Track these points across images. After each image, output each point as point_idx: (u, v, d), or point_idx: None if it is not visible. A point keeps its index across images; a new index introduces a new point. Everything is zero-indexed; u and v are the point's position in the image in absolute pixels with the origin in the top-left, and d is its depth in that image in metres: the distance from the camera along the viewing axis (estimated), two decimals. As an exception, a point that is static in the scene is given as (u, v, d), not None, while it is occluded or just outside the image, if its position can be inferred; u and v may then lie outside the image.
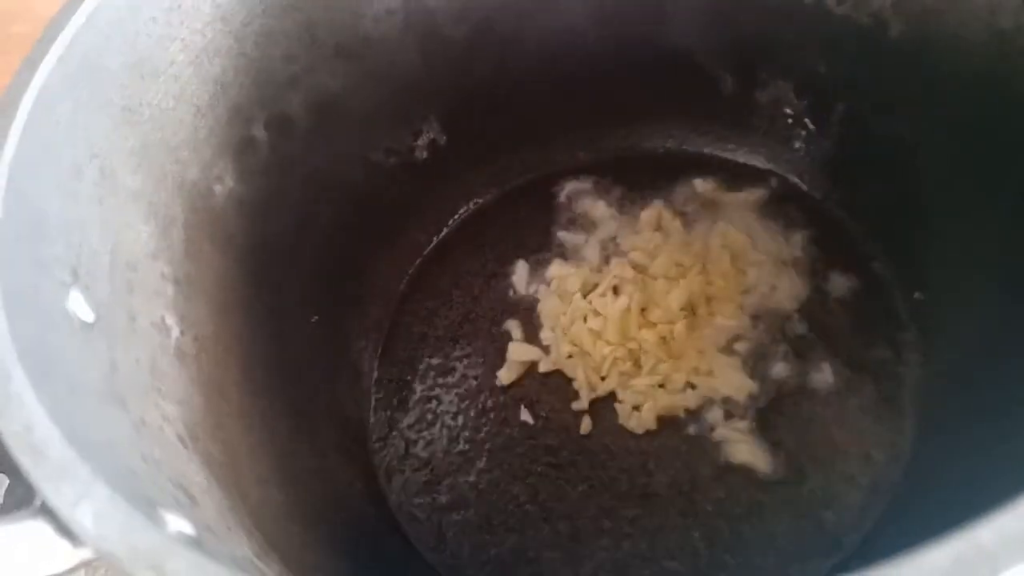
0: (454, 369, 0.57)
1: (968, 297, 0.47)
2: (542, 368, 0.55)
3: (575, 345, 0.55)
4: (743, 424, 0.51)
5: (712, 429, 0.51)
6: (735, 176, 0.61)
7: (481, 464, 0.53)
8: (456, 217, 0.62)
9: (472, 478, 0.52)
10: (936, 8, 0.45)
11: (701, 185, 0.60)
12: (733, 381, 0.52)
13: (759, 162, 0.61)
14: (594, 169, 0.63)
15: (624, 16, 0.55)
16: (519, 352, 0.56)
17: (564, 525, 0.50)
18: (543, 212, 0.62)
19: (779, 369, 0.52)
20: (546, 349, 0.56)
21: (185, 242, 0.42)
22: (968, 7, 0.43)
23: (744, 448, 0.50)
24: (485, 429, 0.54)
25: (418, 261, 0.61)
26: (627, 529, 0.49)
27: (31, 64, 0.35)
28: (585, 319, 0.56)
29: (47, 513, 0.26)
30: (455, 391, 0.56)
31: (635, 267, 0.57)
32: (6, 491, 0.29)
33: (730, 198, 0.59)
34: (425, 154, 0.58)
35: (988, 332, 0.45)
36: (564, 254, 0.60)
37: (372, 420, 0.55)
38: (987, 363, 0.44)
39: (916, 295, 0.52)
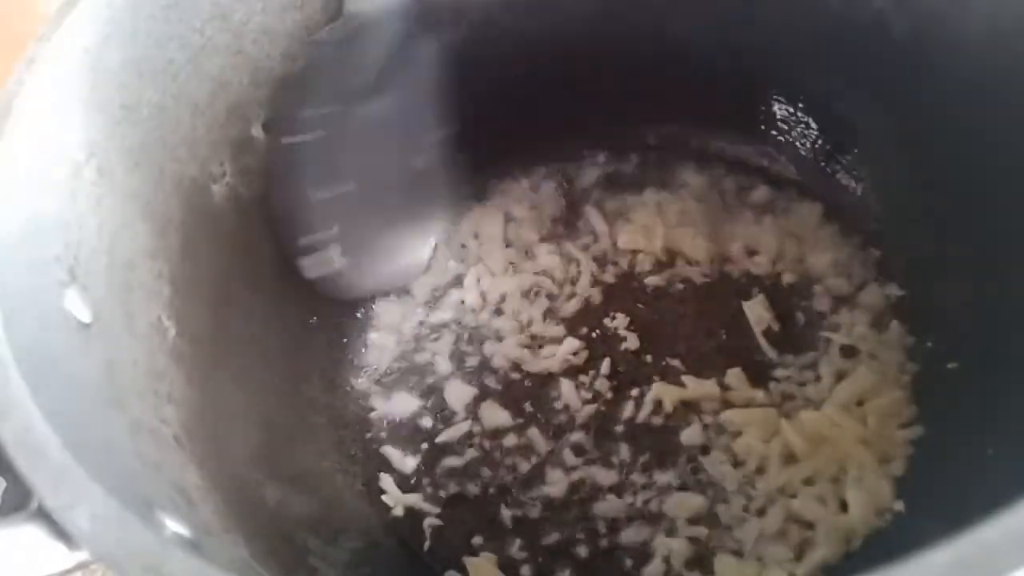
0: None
1: (974, 296, 0.47)
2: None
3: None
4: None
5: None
6: (738, 174, 0.61)
7: (482, 470, 0.52)
8: (457, 216, 0.62)
9: (475, 486, 0.52)
10: (937, 7, 0.45)
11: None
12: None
13: (762, 160, 0.61)
14: (597, 167, 0.63)
15: (625, 13, 0.55)
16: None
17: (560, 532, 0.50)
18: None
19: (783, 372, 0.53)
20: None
21: (182, 242, 0.42)
22: (969, 6, 0.43)
23: None
24: (484, 436, 0.54)
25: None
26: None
27: (29, 63, 0.35)
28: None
29: (44, 515, 0.26)
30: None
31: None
32: (3, 493, 0.29)
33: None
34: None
35: (995, 331, 0.45)
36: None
37: (372, 421, 0.55)
38: (993, 362, 0.44)
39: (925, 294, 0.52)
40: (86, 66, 0.37)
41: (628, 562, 0.48)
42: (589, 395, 0.54)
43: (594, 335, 0.56)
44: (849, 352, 0.52)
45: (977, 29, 0.43)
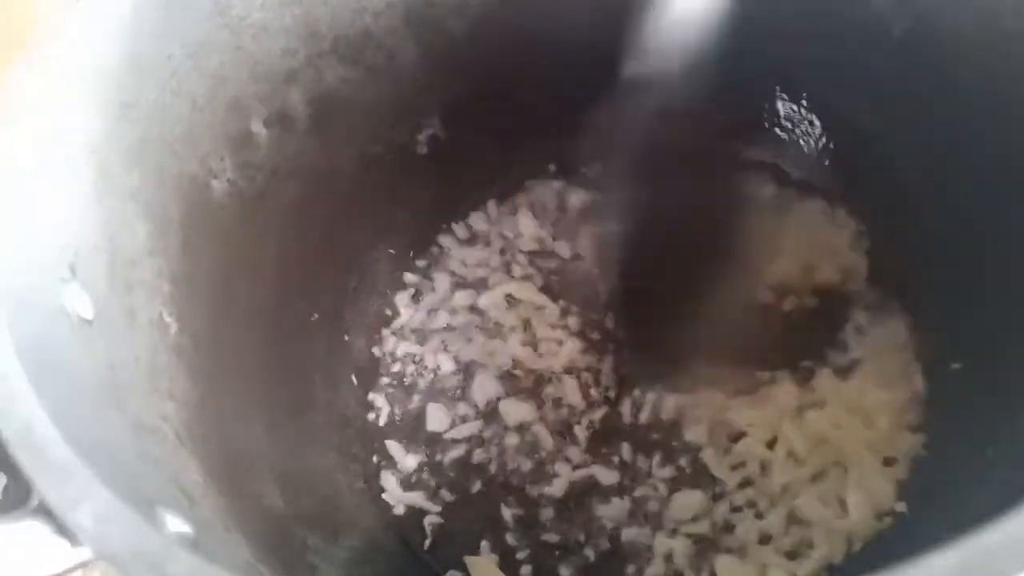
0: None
1: (975, 297, 0.47)
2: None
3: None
4: None
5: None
6: (742, 172, 0.60)
7: (483, 468, 0.52)
8: (457, 213, 0.62)
9: (476, 484, 0.52)
10: (937, 7, 0.45)
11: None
12: None
13: (765, 158, 0.61)
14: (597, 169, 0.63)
15: (626, 10, 0.55)
16: None
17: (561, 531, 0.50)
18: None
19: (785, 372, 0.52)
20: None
21: (183, 238, 0.42)
22: (969, 6, 0.43)
23: None
24: (487, 434, 0.54)
25: (419, 259, 0.61)
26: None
27: (29, 61, 0.34)
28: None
29: (45, 512, 0.26)
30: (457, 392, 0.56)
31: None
32: (4, 490, 0.29)
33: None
34: (425, 149, 0.58)
35: (999, 331, 0.45)
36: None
37: (372, 419, 0.55)
38: (997, 363, 0.44)
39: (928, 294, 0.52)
40: (86, 64, 0.36)
41: (629, 562, 0.48)
42: (592, 395, 0.54)
43: (597, 335, 0.56)
44: (852, 353, 0.52)
45: (977, 29, 0.43)
